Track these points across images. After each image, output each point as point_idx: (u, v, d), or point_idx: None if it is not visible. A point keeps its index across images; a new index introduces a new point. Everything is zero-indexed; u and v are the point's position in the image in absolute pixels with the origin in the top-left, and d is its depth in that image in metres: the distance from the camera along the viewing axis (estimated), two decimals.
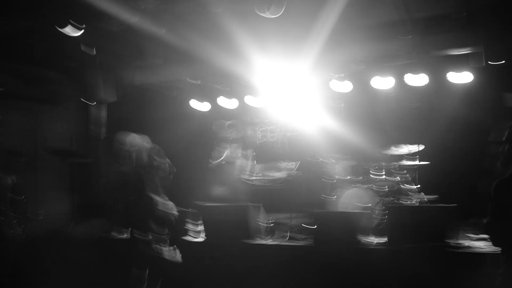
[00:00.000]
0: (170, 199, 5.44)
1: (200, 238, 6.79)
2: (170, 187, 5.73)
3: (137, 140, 5.48)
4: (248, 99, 9.24)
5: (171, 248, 5.32)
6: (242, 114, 10.05)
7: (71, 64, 8.23)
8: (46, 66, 8.45)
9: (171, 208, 5.33)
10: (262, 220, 6.57)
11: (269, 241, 6.43)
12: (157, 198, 5.26)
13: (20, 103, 8.54)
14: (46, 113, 8.91)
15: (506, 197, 3.19)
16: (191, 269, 5.80)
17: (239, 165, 8.62)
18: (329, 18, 6.65)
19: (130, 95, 9.24)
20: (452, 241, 5.49)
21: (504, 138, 3.44)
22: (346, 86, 8.21)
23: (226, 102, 9.43)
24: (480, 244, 5.62)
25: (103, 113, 9.30)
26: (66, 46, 7.32)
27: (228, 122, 8.79)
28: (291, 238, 6.50)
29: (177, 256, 5.36)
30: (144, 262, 5.17)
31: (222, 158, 8.66)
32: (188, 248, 6.06)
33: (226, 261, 6.27)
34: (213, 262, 6.33)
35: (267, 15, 5.68)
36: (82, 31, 6.30)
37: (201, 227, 6.91)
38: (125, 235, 6.77)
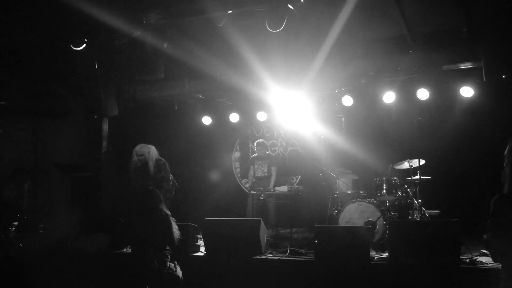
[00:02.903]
0: (172, 214, 5.43)
1: (200, 253, 6.76)
2: (173, 201, 5.75)
3: (144, 149, 5.48)
4: (251, 114, 9.30)
5: (172, 264, 5.29)
6: (244, 128, 10.10)
7: (73, 78, 8.28)
8: (48, 80, 8.51)
9: (174, 223, 5.32)
10: (263, 234, 6.55)
11: (270, 256, 6.40)
12: (168, 212, 5.26)
13: (21, 117, 8.59)
14: (47, 127, 8.96)
15: (506, 212, 3.18)
16: (191, 285, 5.77)
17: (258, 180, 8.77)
18: (331, 33, 6.70)
19: (132, 109, 9.28)
20: (453, 257, 5.45)
21: (505, 153, 3.44)
22: (347, 101, 8.24)
23: (228, 116, 9.49)
24: (482, 259, 5.58)
25: (105, 127, 9.33)
26: (68, 60, 7.38)
27: (258, 140, 9.02)
28: (291, 253, 6.46)
29: (178, 271, 5.33)
30: (145, 278, 5.14)
31: (253, 175, 8.91)
32: (188, 263, 6.03)
33: (226, 275, 6.23)
34: (213, 276, 6.30)
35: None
36: (84, 45, 6.35)
37: (200, 241, 6.89)
38: (126, 250, 6.78)
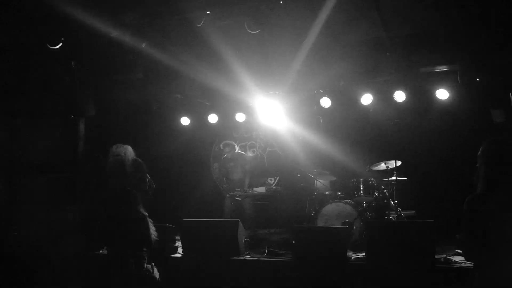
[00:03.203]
0: (149, 215, 5.39)
1: (178, 254, 6.73)
2: (151, 202, 5.69)
3: (120, 149, 5.41)
4: (230, 114, 9.30)
5: (149, 265, 5.26)
6: (223, 129, 10.08)
7: (49, 77, 8.15)
8: (24, 79, 8.36)
9: (151, 224, 5.28)
10: (241, 235, 6.55)
11: (248, 257, 6.40)
12: (146, 213, 5.22)
13: None
14: (23, 127, 8.79)
15: (478, 212, 3.24)
16: (169, 286, 5.74)
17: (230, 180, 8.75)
18: (310, 35, 6.74)
19: (109, 109, 9.18)
20: (429, 257, 5.53)
21: (479, 154, 3.50)
22: (326, 102, 8.29)
23: (207, 117, 9.46)
24: (456, 259, 5.67)
25: (81, 127, 9.21)
26: (44, 59, 7.27)
27: (223, 142, 8.97)
28: (270, 254, 6.47)
29: (155, 273, 5.30)
30: (122, 279, 5.09)
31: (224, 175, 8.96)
32: (166, 264, 6.00)
33: (204, 276, 6.21)
34: (191, 278, 6.27)
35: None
36: (61, 44, 6.27)
37: (178, 243, 6.86)
38: (102, 252, 6.70)
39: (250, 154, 9.85)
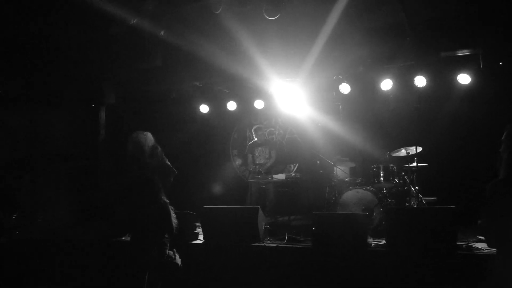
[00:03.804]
0: (170, 202, 5.44)
1: (198, 241, 6.79)
2: (171, 189, 5.76)
3: (140, 137, 5.45)
4: (249, 102, 9.30)
5: (171, 251, 5.32)
6: (242, 116, 10.10)
7: (70, 66, 8.24)
8: (44, 68, 8.46)
9: (172, 211, 5.33)
10: (261, 222, 6.58)
11: (268, 243, 6.44)
12: (167, 201, 5.26)
13: (18, 105, 8.54)
14: (43, 116, 8.92)
15: (501, 198, 3.21)
16: (190, 272, 5.81)
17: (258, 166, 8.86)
18: (329, 21, 6.68)
19: (129, 97, 9.25)
20: (450, 243, 5.49)
21: (503, 138, 3.45)
22: (345, 88, 8.23)
23: (226, 104, 9.48)
24: (478, 245, 5.63)
25: (102, 115, 9.31)
26: (66, 49, 7.35)
27: (255, 126, 9.03)
28: (289, 240, 6.49)
29: (177, 259, 5.36)
30: (144, 265, 5.16)
31: (252, 162, 9.00)
32: (186, 250, 6.07)
33: (224, 263, 6.27)
34: (212, 264, 6.34)
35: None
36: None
37: (199, 229, 6.92)
38: (125, 238, 6.81)
39: (270, 141, 9.86)
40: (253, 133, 9.16)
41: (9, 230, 6.42)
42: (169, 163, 5.56)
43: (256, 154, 9.01)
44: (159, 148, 5.56)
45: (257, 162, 8.95)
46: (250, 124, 10.24)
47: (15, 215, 6.55)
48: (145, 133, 5.51)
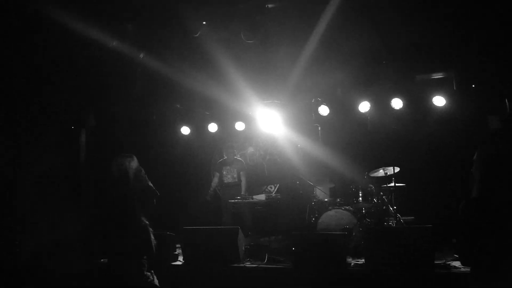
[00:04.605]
0: (150, 223, 5.43)
1: (178, 262, 6.76)
2: (151, 211, 5.76)
3: (124, 159, 5.46)
4: (230, 123, 9.36)
5: (149, 273, 5.29)
6: (224, 138, 10.13)
7: (50, 88, 8.21)
8: (28, 91, 8.41)
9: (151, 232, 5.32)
10: (241, 243, 6.59)
11: (248, 264, 6.44)
12: (147, 222, 5.26)
13: (1, 127, 8.45)
14: (25, 136, 8.81)
15: (473, 217, 3.28)
16: None
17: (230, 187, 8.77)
18: (308, 45, 6.83)
19: (109, 119, 9.24)
20: (428, 262, 5.57)
21: (474, 158, 3.54)
22: (324, 110, 8.37)
23: (207, 126, 9.52)
24: (456, 264, 5.71)
25: (82, 137, 9.26)
26: (46, 72, 7.34)
27: (227, 144, 9.01)
28: (270, 261, 6.51)
29: (155, 280, 5.33)
30: (122, 287, 5.13)
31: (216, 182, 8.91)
32: (167, 272, 6.04)
33: (204, 284, 6.25)
34: (192, 285, 6.31)
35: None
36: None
37: (179, 250, 6.90)
38: (103, 260, 6.73)
39: (250, 163, 9.87)
40: (223, 151, 9.10)
41: None
42: (152, 185, 5.57)
43: (224, 172, 8.88)
44: (143, 171, 5.58)
45: (225, 182, 8.85)
46: (232, 147, 10.27)
47: None
48: (129, 155, 5.53)
